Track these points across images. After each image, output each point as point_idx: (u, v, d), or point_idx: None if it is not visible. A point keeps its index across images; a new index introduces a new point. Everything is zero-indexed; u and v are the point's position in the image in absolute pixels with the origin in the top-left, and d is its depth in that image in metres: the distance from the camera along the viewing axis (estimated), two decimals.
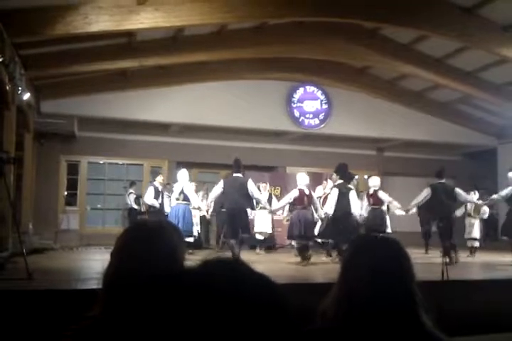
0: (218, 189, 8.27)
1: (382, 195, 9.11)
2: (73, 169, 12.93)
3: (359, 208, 8.75)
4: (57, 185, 12.41)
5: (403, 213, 9.42)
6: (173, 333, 0.60)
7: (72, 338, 1.24)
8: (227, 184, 8.17)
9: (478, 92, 11.94)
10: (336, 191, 8.48)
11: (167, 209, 9.96)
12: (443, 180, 8.83)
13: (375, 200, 9.07)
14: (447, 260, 8.17)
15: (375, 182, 9.23)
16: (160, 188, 10.36)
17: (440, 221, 8.63)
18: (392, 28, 9.68)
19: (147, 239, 1.37)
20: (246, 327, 0.61)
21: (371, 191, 9.16)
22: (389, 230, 9.64)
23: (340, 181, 8.70)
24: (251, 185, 8.08)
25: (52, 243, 10.39)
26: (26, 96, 8.65)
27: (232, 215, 7.99)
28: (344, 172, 8.80)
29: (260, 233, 10.80)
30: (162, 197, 10.32)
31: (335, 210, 8.33)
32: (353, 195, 8.56)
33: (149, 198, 10.14)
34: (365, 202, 9.26)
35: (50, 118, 10.89)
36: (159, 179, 10.55)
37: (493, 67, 10.94)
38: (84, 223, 12.79)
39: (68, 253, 9.80)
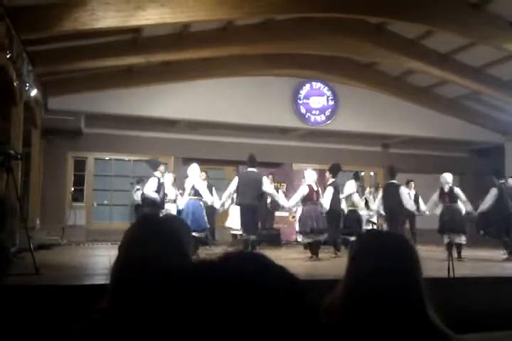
0: (233, 186, 8.38)
1: (458, 191, 8.63)
2: (80, 165, 12.99)
3: (411, 204, 8.93)
4: (64, 181, 12.46)
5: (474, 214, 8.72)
6: (189, 325, 0.60)
7: (81, 331, 1.25)
8: (242, 180, 8.30)
9: (485, 88, 11.87)
10: (331, 189, 8.62)
11: (167, 204, 9.36)
12: (503, 180, 8.66)
13: (451, 198, 8.57)
14: (505, 256, 8.22)
15: (449, 178, 8.68)
16: (162, 180, 9.12)
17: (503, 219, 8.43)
18: (398, 23, 9.63)
19: (155, 232, 1.39)
20: (268, 320, 0.60)
21: (446, 188, 8.62)
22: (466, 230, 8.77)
23: (333, 180, 8.83)
24: (265, 181, 8.33)
25: (59, 238, 10.43)
26: (34, 92, 8.67)
27: (246, 211, 8.16)
28: (337, 171, 8.96)
29: (231, 228, 10.73)
30: (164, 190, 9.19)
31: (329, 208, 8.48)
32: (403, 192, 8.84)
33: (150, 190, 8.71)
34: (436, 198, 8.78)
35: (57, 114, 10.93)
36: (161, 168, 9.18)
37: (500, 63, 10.87)
38: (90, 219, 12.84)
39: (75, 249, 9.84)
